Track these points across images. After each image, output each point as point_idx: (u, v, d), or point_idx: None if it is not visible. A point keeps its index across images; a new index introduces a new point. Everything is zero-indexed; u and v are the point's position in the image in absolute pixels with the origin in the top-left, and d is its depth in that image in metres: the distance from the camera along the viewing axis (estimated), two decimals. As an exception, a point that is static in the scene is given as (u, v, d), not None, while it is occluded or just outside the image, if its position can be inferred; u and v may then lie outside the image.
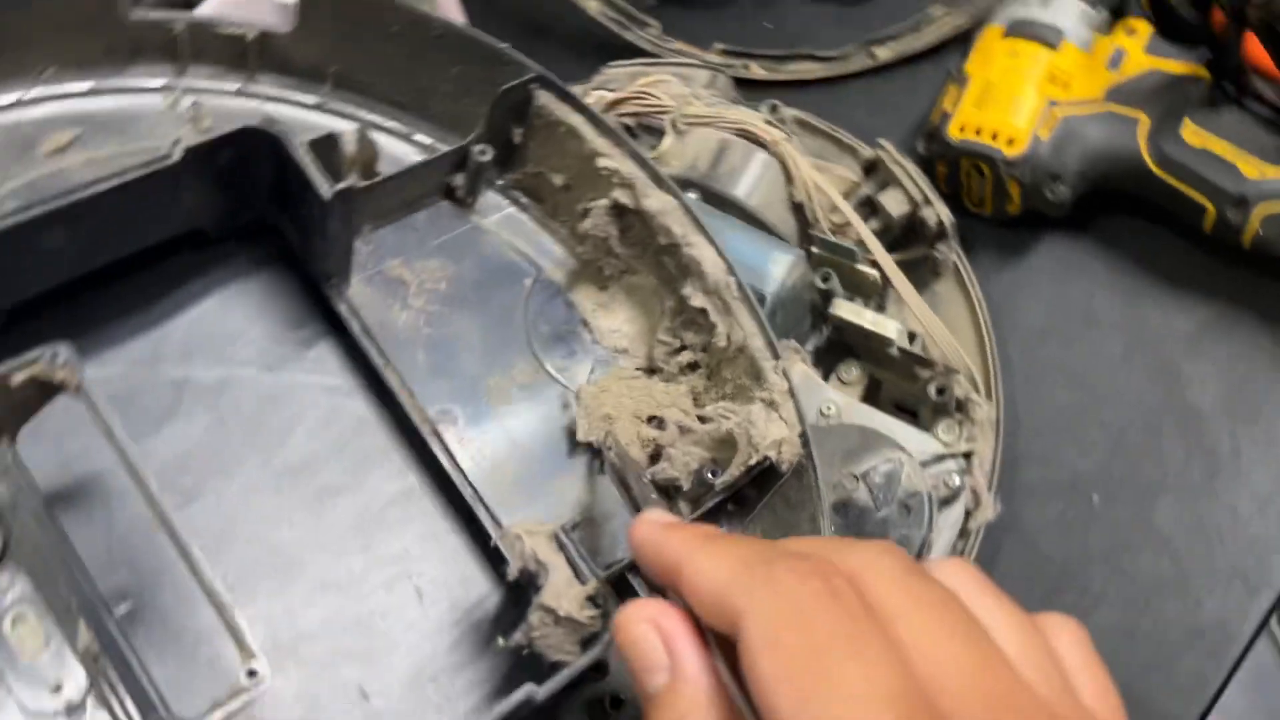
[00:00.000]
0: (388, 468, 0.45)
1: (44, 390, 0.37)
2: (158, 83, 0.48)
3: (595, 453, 0.46)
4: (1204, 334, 0.65)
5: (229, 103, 0.48)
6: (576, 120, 0.47)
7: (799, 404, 0.45)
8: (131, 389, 0.43)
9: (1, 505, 0.37)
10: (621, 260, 0.49)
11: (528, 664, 0.40)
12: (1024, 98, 0.64)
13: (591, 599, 0.38)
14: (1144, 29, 0.65)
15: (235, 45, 0.48)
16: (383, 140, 0.49)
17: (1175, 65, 0.64)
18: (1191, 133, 0.62)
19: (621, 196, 0.47)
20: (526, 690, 0.36)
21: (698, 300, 0.47)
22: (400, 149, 0.50)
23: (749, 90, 0.75)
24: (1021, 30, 0.65)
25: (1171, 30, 0.65)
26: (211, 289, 0.46)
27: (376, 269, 0.48)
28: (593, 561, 0.41)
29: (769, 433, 0.43)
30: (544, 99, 0.47)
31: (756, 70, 0.75)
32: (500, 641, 0.40)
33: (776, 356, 0.45)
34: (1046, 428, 0.65)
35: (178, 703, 0.37)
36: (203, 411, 0.44)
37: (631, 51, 0.73)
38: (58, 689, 0.38)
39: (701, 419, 0.46)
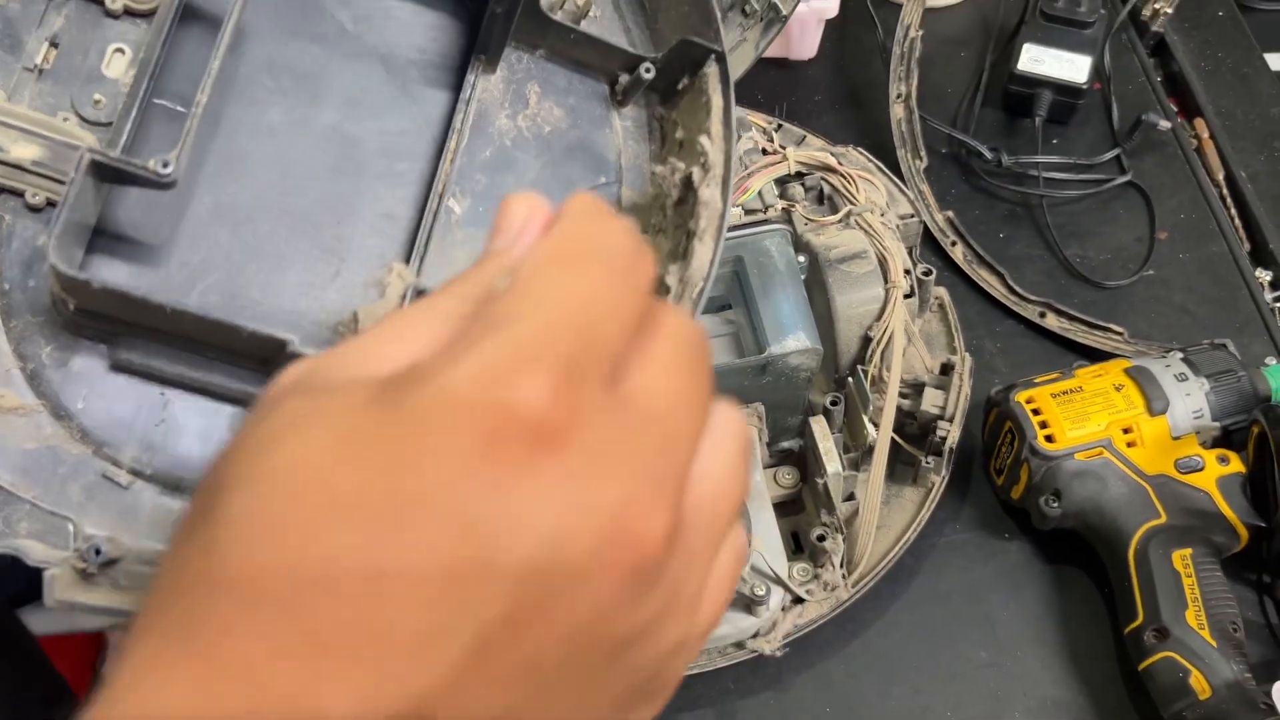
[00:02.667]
0: (398, 192, 0.55)
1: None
2: None
3: None
4: (1051, 712, 0.65)
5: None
6: (716, 102, 0.55)
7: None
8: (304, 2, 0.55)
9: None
10: (665, 220, 0.57)
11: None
12: (1092, 422, 0.65)
13: (386, 343, 0.47)
14: (1235, 465, 0.65)
15: None
16: (607, 11, 0.59)
17: (1231, 514, 0.64)
18: (1181, 559, 0.62)
19: (695, 174, 0.55)
20: (290, 342, 0.45)
21: (671, 280, 0.54)
22: (612, 26, 0.59)
23: (935, 255, 0.79)
24: (1139, 378, 0.67)
25: (1260, 498, 0.64)
26: (409, -9, 0.57)
27: (520, 80, 0.58)
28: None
29: None
30: (710, 70, 0.55)
31: (957, 254, 0.79)
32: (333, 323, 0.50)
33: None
34: (880, 661, 0.67)
35: (131, 150, 0.49)
36: (328, 49, 0.55)
37: (891, 161, 0.79)
38: (99, 104, 0.51)
39: None
